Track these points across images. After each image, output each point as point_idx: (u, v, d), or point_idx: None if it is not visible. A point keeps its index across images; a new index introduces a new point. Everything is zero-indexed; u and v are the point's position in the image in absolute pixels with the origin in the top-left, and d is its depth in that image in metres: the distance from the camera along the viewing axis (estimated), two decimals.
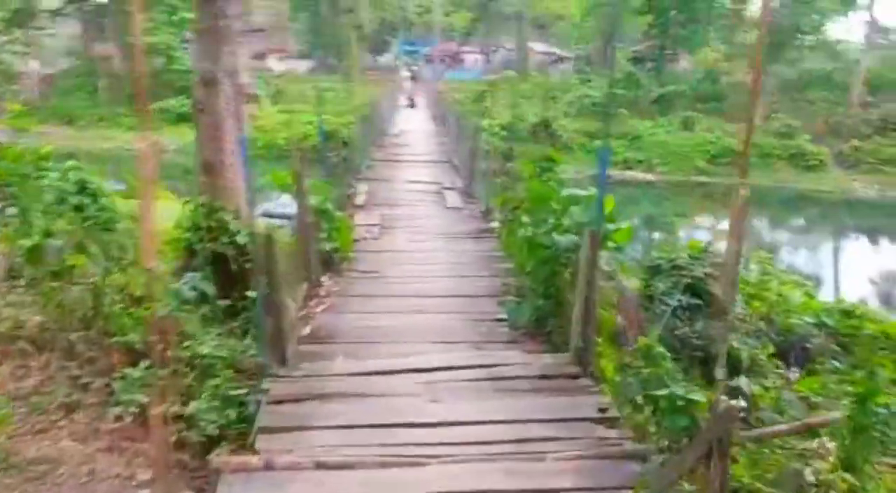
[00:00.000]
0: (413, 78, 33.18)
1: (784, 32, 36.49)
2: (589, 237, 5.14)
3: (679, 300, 9.01)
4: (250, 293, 5.85)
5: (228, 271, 7.39)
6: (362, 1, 46.89)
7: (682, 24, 41.00)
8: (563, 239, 5.81)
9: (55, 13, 42.96)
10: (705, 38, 43.75)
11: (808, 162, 33.37)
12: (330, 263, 7.88)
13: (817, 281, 21.39)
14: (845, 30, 43.03)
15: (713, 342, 8.91)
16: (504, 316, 6.47)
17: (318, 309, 6.65)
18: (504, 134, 32.70)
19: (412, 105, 32.51)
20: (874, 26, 40.31)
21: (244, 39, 9.48)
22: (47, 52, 49.71)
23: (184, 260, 8.54)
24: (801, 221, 31.59)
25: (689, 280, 9.26)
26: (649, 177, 33.87)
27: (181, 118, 39.78)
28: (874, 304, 19.84)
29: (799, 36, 37.40)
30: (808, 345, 9.86)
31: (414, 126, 24.36)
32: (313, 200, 7.59)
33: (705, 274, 9.55)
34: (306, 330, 6.13)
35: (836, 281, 22.94)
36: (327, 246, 7.72)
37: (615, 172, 34.73)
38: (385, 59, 54.10)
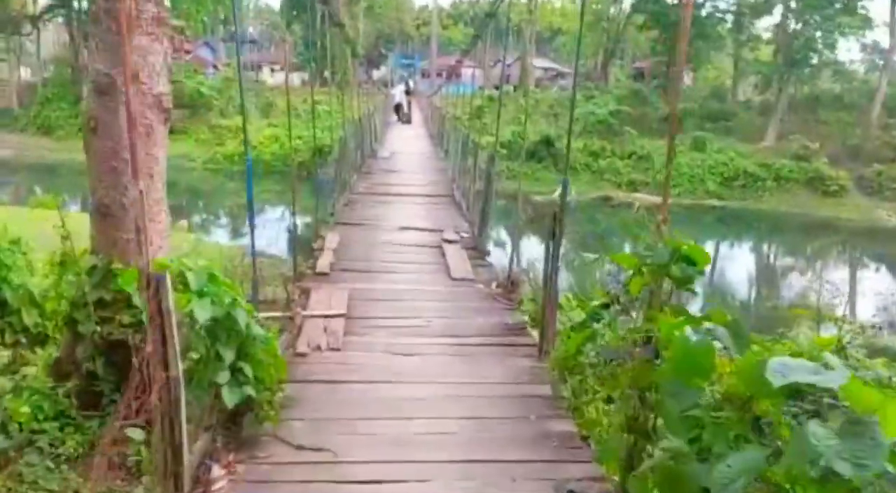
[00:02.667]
0: (408, 92, 29.13)
1: (798, 50, 32.90)
2: None
3: None
4: None
5: (129, 365, 3.93)
6: (356, 13, 43.09)
7: (687, 41, 37.33)
8: None
9: (36, 19, 38.95)
10: (709, 54, 40.17)
11: (828, 187, 29.66)
12: (238, 423, 3.97)
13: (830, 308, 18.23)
14: (855, 49, 39.38)
15: None
16: None
17: None
18: (504, 153, 28.94)
19: (407, 121, 28.54)
20: (876, 48, 36.80)
21: (160, 33, 5.62)
22: (34, 59, 45.81)
23: (67, 347, 4.89)
24: (821, 250, 27.87)
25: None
26: (657, 200, 30.07)
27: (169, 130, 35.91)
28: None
29: (812, 54, 33.78)
30: None
31: (408, 146, 20.30)
32: (203, 312, 3.68)
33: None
34: None
35: (853, 308, 19.54)
36: (232, 396, 3.80)
37: (620, 194, 31.10)
38: (381, 72, 50.28)
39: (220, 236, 24.45)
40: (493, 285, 7.00)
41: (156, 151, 5.55)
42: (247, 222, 5.28)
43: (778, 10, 35.51)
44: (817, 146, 30.84)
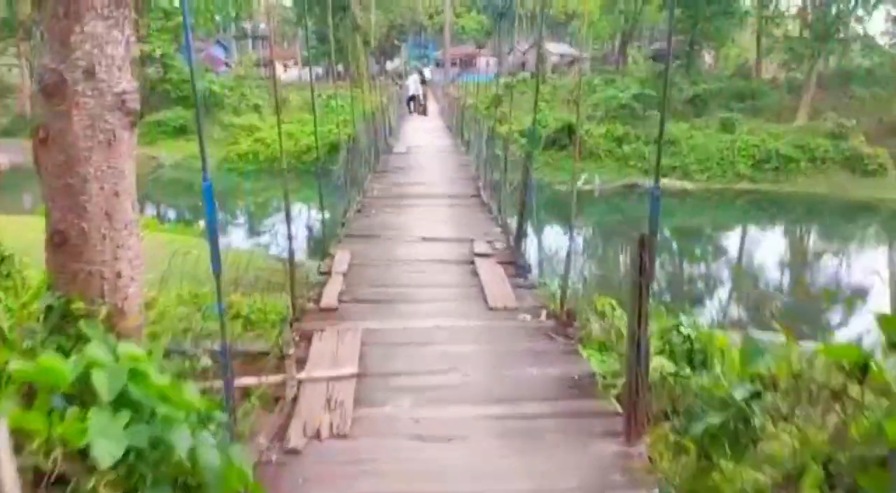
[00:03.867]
0: (422, 82, 27.19)
1: (830, 23, 30.72)
2: None
3: None
4: None
5: None
6: (367, 4, 41.37)
7: (708, 19, 35.03)
8: None
9: None
10: (731, 31, 37.89)
11: (867, 166, 27.59)
12: None
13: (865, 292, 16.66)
14: (881, 22, 36.97)
15: None
16: None
17: None
18: (523, 141, 27.25)
19: (423, 112, 26.75)
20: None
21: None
22: None
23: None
24: (861, 233, 25.91)
25: None
26: (686, 185, 28.20)
27: (178, 131, 34.57)
28: None
29: (842, 27, 31.58)
30: None
31: (425, 140, 18.57)
32: (110, 448, 2.15)
33: None
34: None
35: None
36: None
37: (647, 181, 29.26)
38: (394, 64, 48.49)
39: (236, 236, 23.20)
40: (543, 314, 5.42)
41: (121, 163, 4.13)
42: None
43: None
44: (854, 124, 28.72)
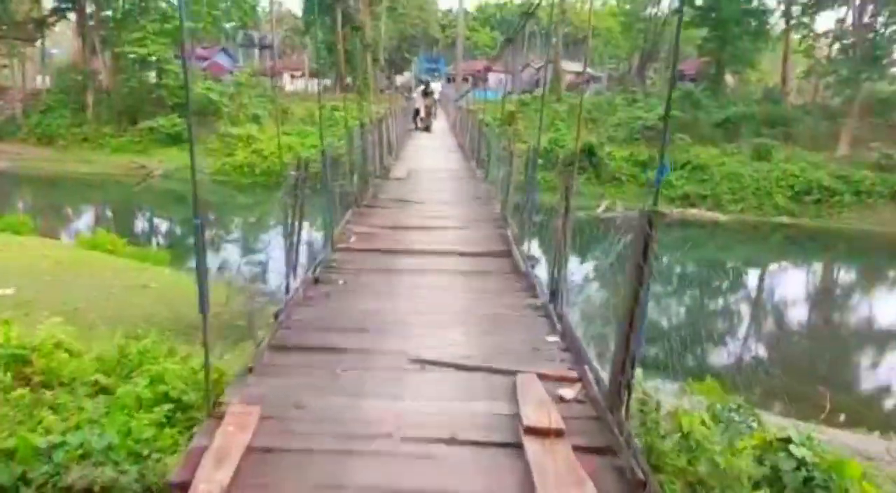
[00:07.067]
0: (425, 93, 22.74)
1: (879, 46, 26.88)
2: None
3: None
4: None
5: None
6: (378, 13, 37.76)
7: (734, 41, 31.18)
8: None
9: (40, 23, 34.10)
10: (761, 54, 34.06)
11: None
12: None
13: None
14: None
15: None
16: None
17: None
18: (539, 162, 23.45)
19: (426, 128, 22.70)
20: None
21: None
22: (49, 67, 41.32)
23: None
24: None
25: None
26: (718, 216, 24.35)
27: (172, 139, 30.89)
28: None
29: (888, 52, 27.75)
30: None
31: (431, 162, 14.24)
32: None
33: None
34: None
35: None
36: None
37: (674, 211, 25.47)
38: (404, 78, 44.82)
39: (230, 253, 19.73)
40: None
41: None
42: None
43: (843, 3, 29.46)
44: None
